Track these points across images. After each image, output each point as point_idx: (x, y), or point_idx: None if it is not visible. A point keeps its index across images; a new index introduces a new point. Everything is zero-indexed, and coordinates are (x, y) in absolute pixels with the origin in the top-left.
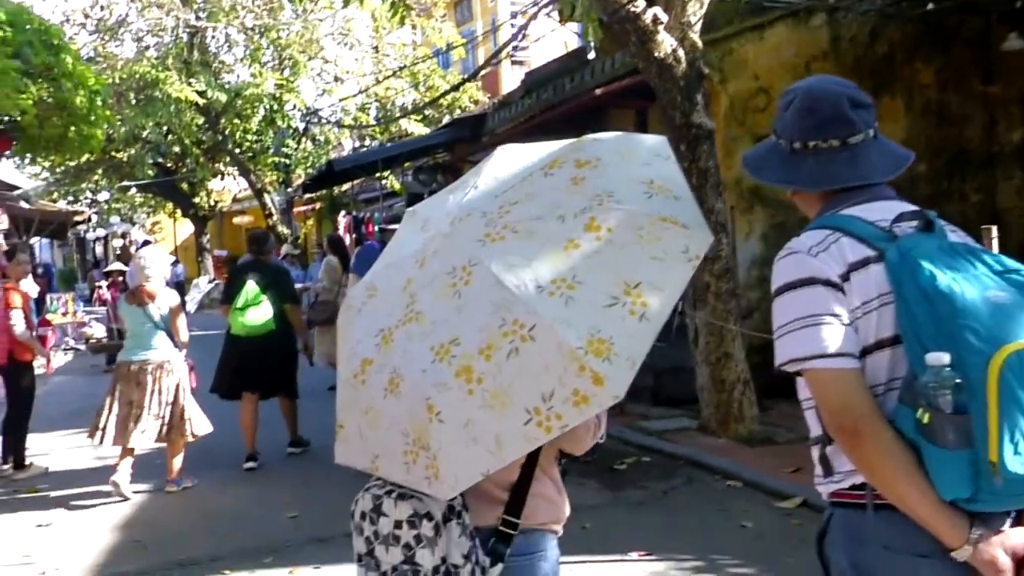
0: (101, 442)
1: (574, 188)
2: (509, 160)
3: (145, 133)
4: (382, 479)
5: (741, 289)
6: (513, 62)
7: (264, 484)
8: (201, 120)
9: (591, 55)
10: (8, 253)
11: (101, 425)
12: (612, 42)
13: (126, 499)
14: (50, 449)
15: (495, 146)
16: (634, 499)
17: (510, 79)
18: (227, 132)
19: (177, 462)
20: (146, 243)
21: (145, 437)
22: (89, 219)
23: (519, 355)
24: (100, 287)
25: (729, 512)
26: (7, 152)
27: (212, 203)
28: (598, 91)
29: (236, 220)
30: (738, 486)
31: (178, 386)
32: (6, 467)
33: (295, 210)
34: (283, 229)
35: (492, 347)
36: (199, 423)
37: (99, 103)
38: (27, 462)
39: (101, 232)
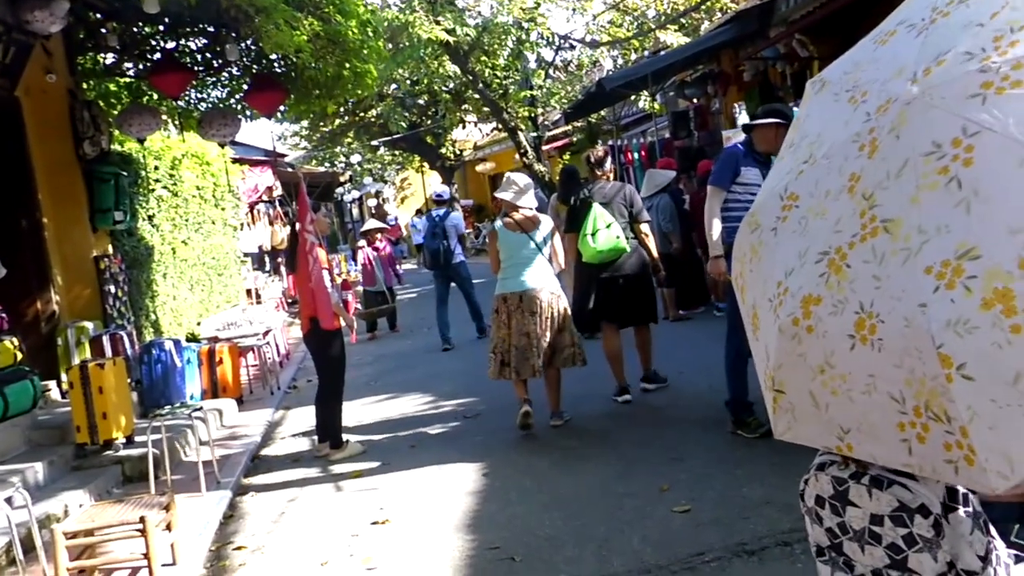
0: (512, 377)
1: None
2: None
3: (392, 88)
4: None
5: None
6: None
7: (621, 459)
8: (449, 63)
9: None
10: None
11: (502, 362)
12: None
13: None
14: (357, 421)
15: (788, 39)
16: None
17: None
18: (475, 71)
19: (557, 394)
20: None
21: (540, 366)
22: (350, 179)
23: None
24: (361, 247)
25: None
26: (282, 107)
27: (457, 152)
28: None
29: (479, 168)
30: None
31: (565, 312)
32: (322, 446)
33: (544, 148)
34: (539, 167)
35: None
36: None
37: (370, 33)
38: (344, 439)
39: (356, 193)
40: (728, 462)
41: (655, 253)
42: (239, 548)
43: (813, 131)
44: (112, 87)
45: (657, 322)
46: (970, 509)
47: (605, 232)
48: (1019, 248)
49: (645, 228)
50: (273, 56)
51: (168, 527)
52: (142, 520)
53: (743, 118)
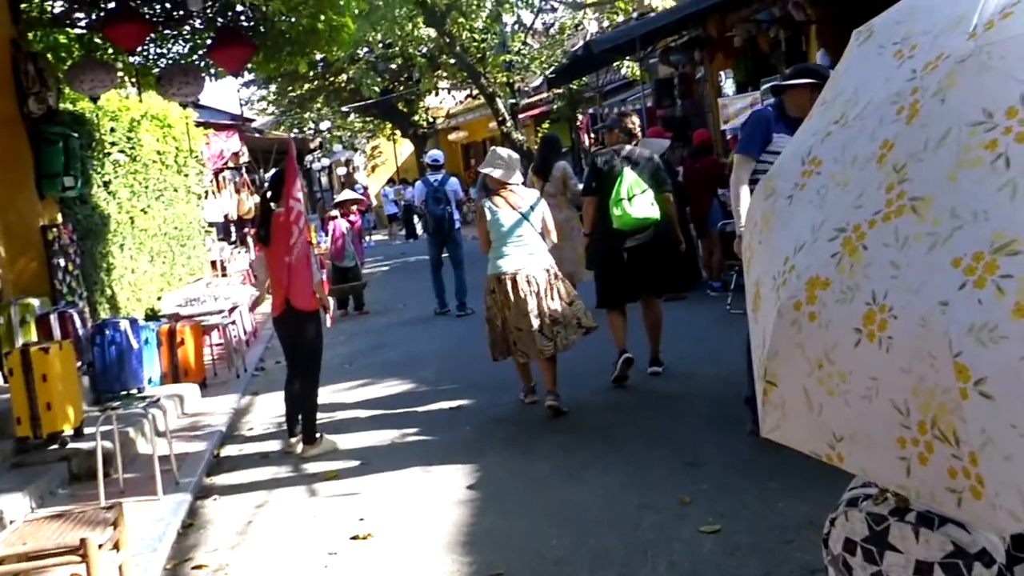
0: (519, 359)
1: None
2: None
3: (364, 52)
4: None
5: None
6: None
7: (629, 461)
8: (423, 26)
9: None
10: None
11: (506, 341)
12: None
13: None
14: (331, 411)
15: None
16: None
17: None
18: (452, 33)
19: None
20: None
21: (551, 345)
22: (320, 146)
23: None
24: (334, 218)
25: None
26: (250, 64)
27: (430, 120)
28: None
29: (451, 137)
30: None
31: (566, 285)
32: (293, 441)
33: (520, 116)
34: (517, 136)
35: None
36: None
37: None
38: (317, 434)
39: (325, 161)
40: (755, 470)
41: (676, 226)
42: (199, 567)
43: (850, 87)
44: (62, 39)
45: (689, 289)
46: None
47: (641, 198)
48: None
49: (670, 197)
50: (240, 7)
51: (116, 546)
52: (83, 542)
53: (729, 87)
